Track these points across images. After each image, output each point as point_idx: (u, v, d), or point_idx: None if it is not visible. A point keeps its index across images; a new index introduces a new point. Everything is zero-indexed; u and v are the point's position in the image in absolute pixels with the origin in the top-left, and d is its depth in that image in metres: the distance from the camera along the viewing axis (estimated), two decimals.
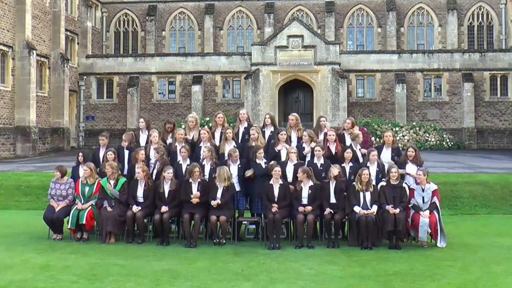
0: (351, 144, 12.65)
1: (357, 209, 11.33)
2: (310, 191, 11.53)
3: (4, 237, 12.43)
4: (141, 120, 13.90)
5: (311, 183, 11.54)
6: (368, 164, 11.95)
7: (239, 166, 12.09)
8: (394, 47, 40.75)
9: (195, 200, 11.54)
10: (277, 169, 11.56)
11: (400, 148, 13.48)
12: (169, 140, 13.16)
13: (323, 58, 36.44)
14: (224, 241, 11.53)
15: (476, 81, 37.54)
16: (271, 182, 11.63)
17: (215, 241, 11.57)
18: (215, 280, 8.75)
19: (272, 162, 11.85)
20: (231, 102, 38.94)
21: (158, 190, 11.86)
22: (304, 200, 11.55)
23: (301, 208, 11.40)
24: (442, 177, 18.49)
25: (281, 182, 11.60)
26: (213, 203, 11.45)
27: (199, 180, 11.70)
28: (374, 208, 11.34)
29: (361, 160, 12.37)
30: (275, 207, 11.37)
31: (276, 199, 11.53)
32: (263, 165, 12.00)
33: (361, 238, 11.24)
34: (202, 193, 11.64)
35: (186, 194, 11.67)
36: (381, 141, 13.62)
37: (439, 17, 41.75)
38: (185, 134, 13.00)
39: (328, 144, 12.49)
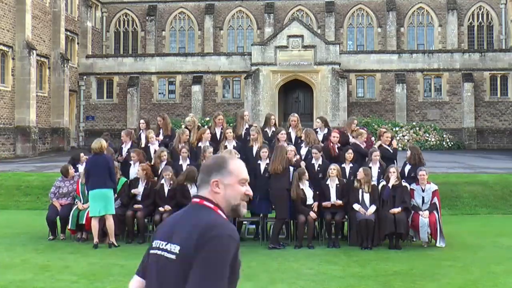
0: (354, 143, 12.64)
1: (356, 206, 11.32)
2: (312, 188, 11.54)
3: (4, 237, 12.43)
4: (142, 120, 13.94)
5: (307, 182, 11.57)
6: (370, 164, 11.96)
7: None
8: (394, 47, 40.75)
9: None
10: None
11: (397, 148, 13.50)
12: (161, 135, 13.21)
13: (323, 58, 36.44)
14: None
15: (476, 81, 37.53)
16: None
17: None
18: None
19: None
20: (231, 102, 38.94)
21: (158, 189, 11.88)
22: (309, 201, 11.57)
23: (315, 204, 11.40)
24: (442, 177, 18.49)
25: None
26: None
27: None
28: (372, 208, 11.32)
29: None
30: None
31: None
32: (264, 166, 12.00)
33: (361, 238, 11.24)
34: None
35: (184, 197, 11.67)
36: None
37: (439, 17, 41.75)
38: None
39: (330, 145, 12.50)
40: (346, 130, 13.19)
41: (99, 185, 11.10)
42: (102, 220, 11.74)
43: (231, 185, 2.94)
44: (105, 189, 11.15)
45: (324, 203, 11.46)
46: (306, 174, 11.53)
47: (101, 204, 11.12)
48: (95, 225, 11.23)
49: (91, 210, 11.29)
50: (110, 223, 11.20)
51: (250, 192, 2.98)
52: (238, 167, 2.98)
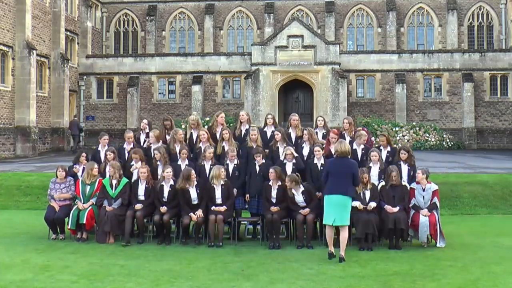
0: (351, 143, 12.66)
1: (355, 203, 11.28)
2: (303, 196, 11.52)
3: (4, 237, 12.43)
4: (144, 121, 13.92)
5: (302, 188, 11.53)
6: (371, 164, 11.97)
7: (235, 165, 12.12)
8: (394, 47, 40.76)
9: (194, 218, 11.53)
10: (271, 171, 11.56)
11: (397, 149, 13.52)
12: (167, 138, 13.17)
13: (323, 58, 36.44)
14: (221, 244, 11.46)
15: (476, 81, 37.54)
16: (270, 183, 11.64)
17: (209, 244, 11.49)
18: (215, 280, 8.75)
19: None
20: (231, 102, 38.95)
21: (158, 190, 11.86)
22: (302, 205, 11.54)
23: (304, 211, 11.39)
24: (442, 177, 18.49)
25: (280, 183, 11.59)
26: (220, 209, 11.46)
27: (195, 183, 11.68)
28: (372, 204, 11.30)
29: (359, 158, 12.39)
30: (275, 209, 11.39)
31: (274, 200, 11.55)
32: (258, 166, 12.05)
33: (363, 239, 11.22)
34: (200, 196, 11.67)
35: (185, 198, 11.68)
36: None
37: (439, 17, 41.76)
38: (185, 134, 13.08)
39: (329, 144, 12.49)
40: (342, 131, 13.19)
41: (340, 190, 10.09)
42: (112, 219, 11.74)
43: None
44: (345, 196, 10.15)
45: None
46: (298, 181, 11.47)
47: (337, 212, 10.10)
48: (330, 235, 10.18)
49: (326, 217, 10.25)
50: (345, 236, 10.19)
51: None
52: None
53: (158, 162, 12.32)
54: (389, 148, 12.72)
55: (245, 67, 38.01)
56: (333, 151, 12.36)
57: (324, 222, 10.37)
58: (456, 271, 9.39)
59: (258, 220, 12.21)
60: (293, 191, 11.48)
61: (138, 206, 11.75)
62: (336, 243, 10.52)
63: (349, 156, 10.55)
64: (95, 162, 12.66)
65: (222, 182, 11.61)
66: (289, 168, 11.94)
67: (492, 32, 41.41)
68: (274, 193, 11.58)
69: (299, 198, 11.51)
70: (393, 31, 41.36)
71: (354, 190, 10.61)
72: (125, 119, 38.94)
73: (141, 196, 11.99)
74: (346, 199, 10.17)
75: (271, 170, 11.59)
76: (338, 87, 36.16)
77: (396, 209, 11.26)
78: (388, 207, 11.30)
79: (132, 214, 11.76)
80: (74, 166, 13.05)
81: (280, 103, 37.63)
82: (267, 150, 12.50)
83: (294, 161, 11.98)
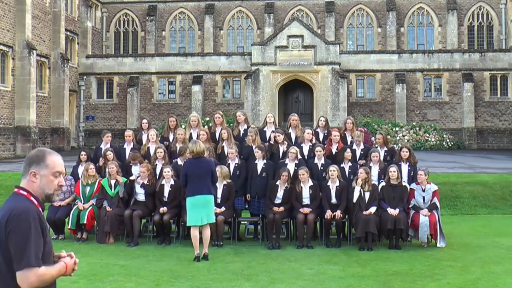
0: (351, 144, 12.67)
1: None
2: (310, 190, 11.52)
3: None
4: (145, 120, 13.97)
5: (311, 182, 11.55)
6: (371, 164, 11.97)
7: (236, 164, 12.12)
8: (394, 47, 40.75)
9: None
10: (285, 174, 11.52)
11: (395, 148, 13.53)
12: (171, 137, 13.22)
13: (323, 58, 36.43)
14: (221, 243, 11.45)
15: (476, 81, 37.53)
16: (277, 182, 11.61)
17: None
18: (215, 280, 8.75)
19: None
20: (231, 102, 38.94)
21: (158, 190, 11.85)
22: (306, 200, 11.54)
23: (304, 210, 11.39)
24: (442, 177, 18.48)
25: (287, 186, 11.58)
26: (217, 210, 11.33)
27: None
28: (373, 209, 11.32)
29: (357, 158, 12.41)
30: (279, 209, 11.36)
31: (280, 201, 11.54)
32: (261, 166, 12.02)
33: (363, 238, 11.22)
34: None
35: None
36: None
37: (439, 17, 41.76)
38: (185, 134, 13.10)
39: (331, 144, 12.49)
40: (344, 132, 13.17)
41: (203, 191, 10.14)
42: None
43: (46, 176, 3.42)
44: (208, 195, 10.22)
45: (327, 215, 11.43)
46: (307, 175, 11.50)
47: (203, 212, 10.14)
48: (196, 236, 10.07)
49: (192, 219, 10.16)
50: (209, 233, 10.34)
51: (63, 183, 3.45)
52: (53, 161, 3.47)
53: (157, 162, 12.33)
54: (385, 148, 12.72)
55: (245, 67, 38.00)
56: (333, 151, 12.40)
57: (191, 224, 10.23)
58: (456, 271, 9.38)
59: (258, 220, 12.21)
60: (302, 184, 11.48)
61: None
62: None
63: (205, 155, 10.53)
64: (92, 162, 12.69)
65: (224, 182, 11.60)
66: (291, 168, 11.93)
67: (492, 32, 41.40)
68: (280, 193, 11.56)
69: (306, 192, 11.49)
70: (393, 31, 41.35)
71: (214, 188, 10.66)
72: (125, 119, 38.93)
73: (141, 196, 11.98)
74: (210, 197, 10.28)
75: (283, 172, 11.54)
76: (338, 87, 36.15)
77: (396, 211, 11.26)
78: (390, 210, 11.28)
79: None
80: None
81: (280, 103, 37.63)
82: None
83: (296, 161, 11.97)
